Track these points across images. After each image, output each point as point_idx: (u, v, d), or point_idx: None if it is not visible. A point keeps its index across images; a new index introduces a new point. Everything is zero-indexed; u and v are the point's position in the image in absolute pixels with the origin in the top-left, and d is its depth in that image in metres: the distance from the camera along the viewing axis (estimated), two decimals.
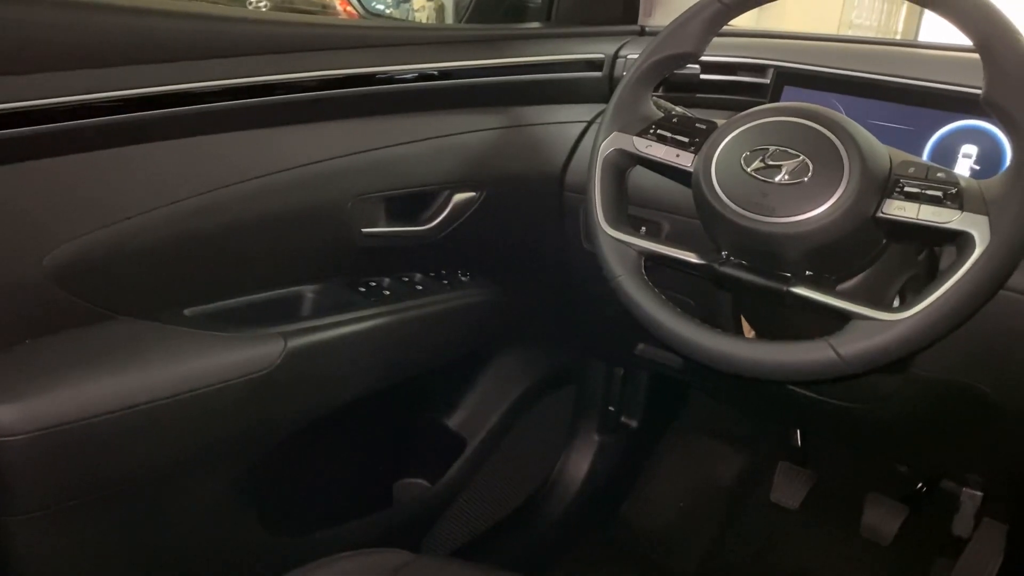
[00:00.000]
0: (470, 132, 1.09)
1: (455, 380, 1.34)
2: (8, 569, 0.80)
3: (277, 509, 1.04)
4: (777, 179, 0.74)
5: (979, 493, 1.30)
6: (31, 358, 0.78)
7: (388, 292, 1.07)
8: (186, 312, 0.91)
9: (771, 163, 0.75)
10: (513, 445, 1.42)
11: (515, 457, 1.44)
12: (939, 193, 0.69)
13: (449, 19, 1.88)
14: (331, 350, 0.98)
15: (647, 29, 1.27)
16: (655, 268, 0.85)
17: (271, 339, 0.91)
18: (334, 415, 1.03)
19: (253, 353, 0.89)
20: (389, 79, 1.02)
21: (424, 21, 1.93)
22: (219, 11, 0.96)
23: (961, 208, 0.68)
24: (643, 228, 0.92)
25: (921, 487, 1.48)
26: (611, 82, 1.18)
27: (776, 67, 1.07)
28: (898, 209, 0.71)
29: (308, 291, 1.01)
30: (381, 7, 1.92)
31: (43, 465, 0.77)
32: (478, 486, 1.37)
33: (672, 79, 1.04)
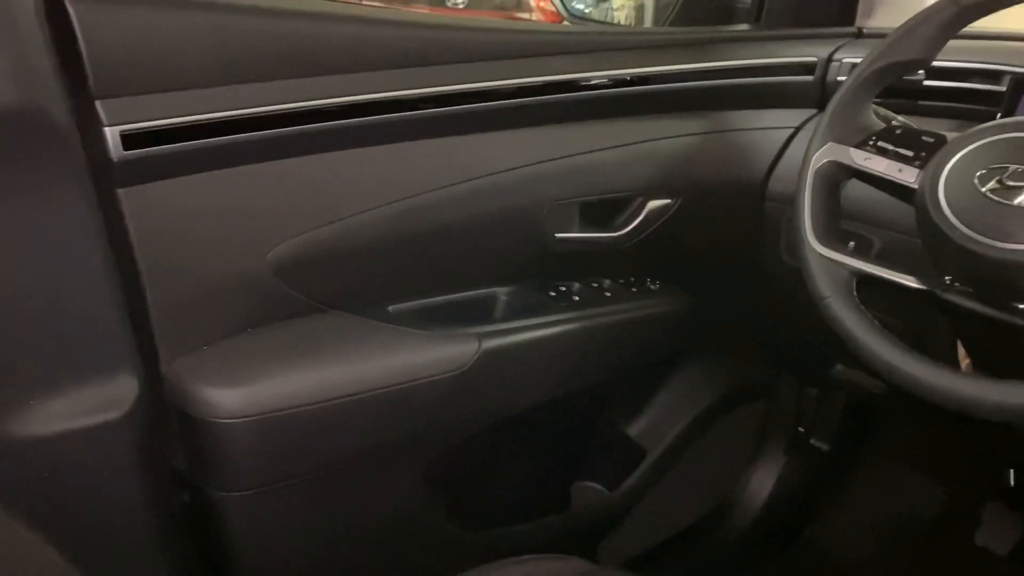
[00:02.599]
0: (668, 138, 1.07)
1: (639, 388, 1.32)
2: (224, 540, 0.87)
3: (460, 503, 1.07)
4: (1017, 201, 0.67)
5: None
6: (253, 347, 0.84)
7: (578, 297, 1.07)
8: (390, 309, 0.95)
9: (1011, 184, 0.68)
10: (695, 458, 1.38)
11: (697, 470, 1.40)
12: None
13: (648, 17, 1.85)
14: (522, 352, 0.99)
15: (865, 31, 1.19)
16: (863, 287, 0.80)
17: (467, 339, 0.94)
18: (519, 415, 1.04)
19: (450, 352, 0.92)
20: (589, 85, 1.02)
21: (623, 20, 1.91)
22: (431, 19, 1.00)
23: None
24: (851, 243, 0.86)
25: None
26: (823, 87, 1.12)
27: (1013, 73, 0.97)
28: None
29: (502, 293, 1.03)
30: (581, 6, 1.92)
31: (260, 447, 0.83)
32: (657, 497, 1.35)
33: (893, 84, 0.98)
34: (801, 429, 1.48)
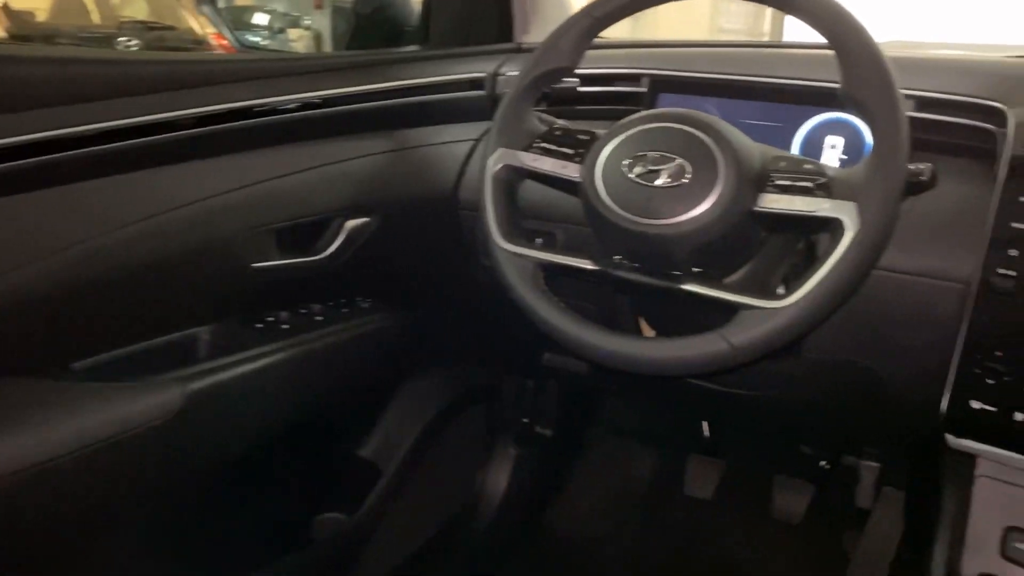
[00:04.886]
0: (358, 158, 1.09)
1: (365, 409, 1.32)
2: None
3: (191, 560, 1.01)
4: (659, 183, 0.77)
5: (876, 464, 1.37)
6: None
7: (287, 326, 1.05)
8: (74, 366, 0.87)
9: (652, 168, 0.78)
10: (431, 468, 1.41)
11: (434, 480, 1.43)
12: (809, 184, 0.73)
13: (327, 48, 1.87)
14: (233, 391, 0.96)
15: (524, 46, 1.30)
16: (554, 278, 0.87)
17: (168, 385, 0.89)
18: (244, 456, 1.00)
19: (151, 401, 0.87)
20: (271, 110, 1.01)
21: (303, 51, 1.91)
22: (91, 54, 0.93)
23: (830, 196, 0.72)
24: (539, 240, 0.93)
25: (824, 465, 1.55)
26: (494, 100, 1.20)
27: (650, 75, 1.10)
28: (772, 202, 0.75)
29: (203, 333, 0.99)
30: (256, 39, 1.89)
31: None
32: (399, 514, 1.36)
33: (552, 94, 1.07)
34: (526, 420, 1.57)
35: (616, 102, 1.11)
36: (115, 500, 0.87)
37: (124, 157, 0.87)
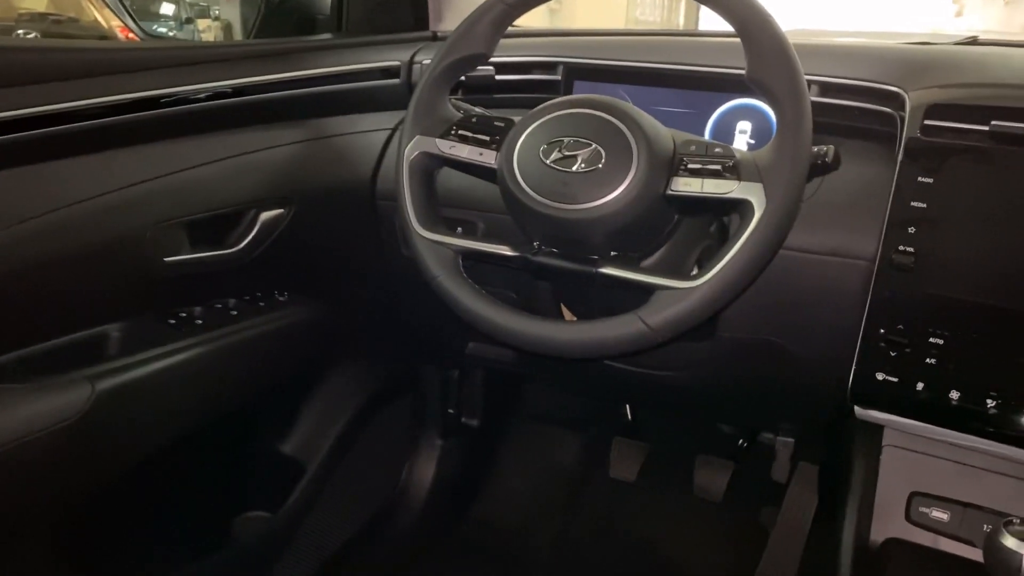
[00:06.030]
0: (272, 148, 1.06)
1: (287, 404, 1.30)
2: None
3: (109, 561, 0.98)
4: (574, 168, 0.77)
5: (791, 440, 1.42)
6: None
7: (201, 321, 1.02)
8: None
9: (568, 153, 0.78)
10: (356, 461, 1.40)
11: (359, 473, 1.42)
12: (718, 166, 0.75)
13: (238, 38, 1.82)
14: (145, 388, 0.93)
15: (440, 34, 1.29)
16: (475, 266, 0.86)
17: (76, 384, 0.86)
18: (160, 455, 0.98)
19: (57, 401, 0.83)
20: (180, 100, 0.98)
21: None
22: None
23: (739, 178, 0.74)
24: (459, 228, 0.93)
25: (742, 443, 1.59)
26: (409, 88, 1.19)
27: (565, 63, 1.11)
28: (684, 185, 0.76)
29: (113, 330, 0.95)
30: (163, 31, 1.84)
31: None
32: (324, 509, 1.34)
33: (469, 82, 1.07)
34: (451, 411, 1.57)
35: (532, 90, 1.11)
36: (24, 504, 0.83)
37: (23, 148, 0.84)
